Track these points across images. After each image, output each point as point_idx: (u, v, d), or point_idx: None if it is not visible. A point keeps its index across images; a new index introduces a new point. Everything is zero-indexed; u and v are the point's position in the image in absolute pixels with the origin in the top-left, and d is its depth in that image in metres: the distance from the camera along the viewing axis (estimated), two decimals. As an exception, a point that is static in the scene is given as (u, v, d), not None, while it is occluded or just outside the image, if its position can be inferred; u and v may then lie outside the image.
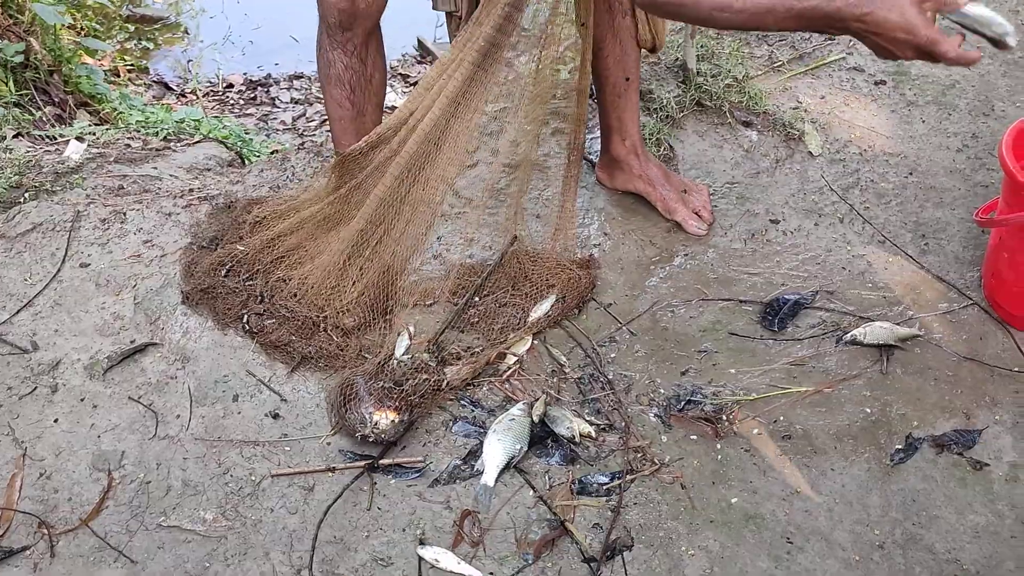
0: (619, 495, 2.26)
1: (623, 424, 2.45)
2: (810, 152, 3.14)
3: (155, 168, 3.21)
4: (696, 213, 2.98)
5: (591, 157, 3.19)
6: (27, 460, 2.29)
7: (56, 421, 2.42)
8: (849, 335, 2.61)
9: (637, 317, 2.72)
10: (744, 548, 2.13)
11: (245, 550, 2.14)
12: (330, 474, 2.28)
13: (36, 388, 2.49)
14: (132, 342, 2.61)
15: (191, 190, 3.11)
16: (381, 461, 2.33)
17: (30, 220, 2.92)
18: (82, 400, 2.47)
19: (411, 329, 2.65)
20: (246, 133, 3.06)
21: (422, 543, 2.14)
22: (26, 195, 3.01)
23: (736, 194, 3.09)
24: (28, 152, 3.31)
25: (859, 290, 2.77)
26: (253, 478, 2.29)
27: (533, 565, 2.11)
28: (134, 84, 3.57)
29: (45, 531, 2.12)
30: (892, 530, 2.19)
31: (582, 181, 3.03)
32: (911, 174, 3.11)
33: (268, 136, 3.27)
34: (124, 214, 2.98)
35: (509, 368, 2.57)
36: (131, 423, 2.41)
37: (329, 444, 2.38)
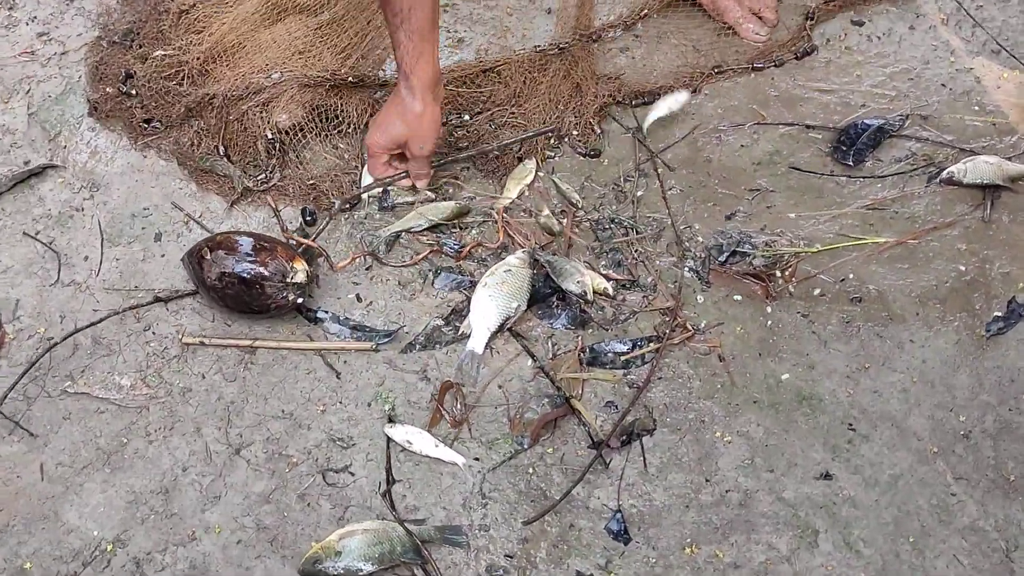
0: (644, 367, 2.15)
1: (649, 280, 2.31)
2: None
3: (52, -64, 2.85)
4: (755, 14, 2.60)
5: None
6: None
7: (-70, 261, 2.23)
8: (945, 172, 2.40)
9: (673, 144, 2.53)
10: (794, 435, 2.04)
11: (171, 424, 2.06)
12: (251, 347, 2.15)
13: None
14: (26, 164, 2.44)
15: (98, -34, 2.79)
16: (337, 324, 2.20)
17: None
18: (-38, 235, 2.26)
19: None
20: None
21: (391, 421, 2.04)
22: None
23: (809, -16, 2.74)
24: None
25: (962, 114, 2.54)
26: (181, 338, 2.15)
27: (529, 451, 2.01)
28: None
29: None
30: (982, 416, 2.06)
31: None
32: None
33: None
34: (12, -4, 2.69)
35: (505, 206, 2.39)
36: (27, 265, 2.27)
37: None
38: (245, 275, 2.00)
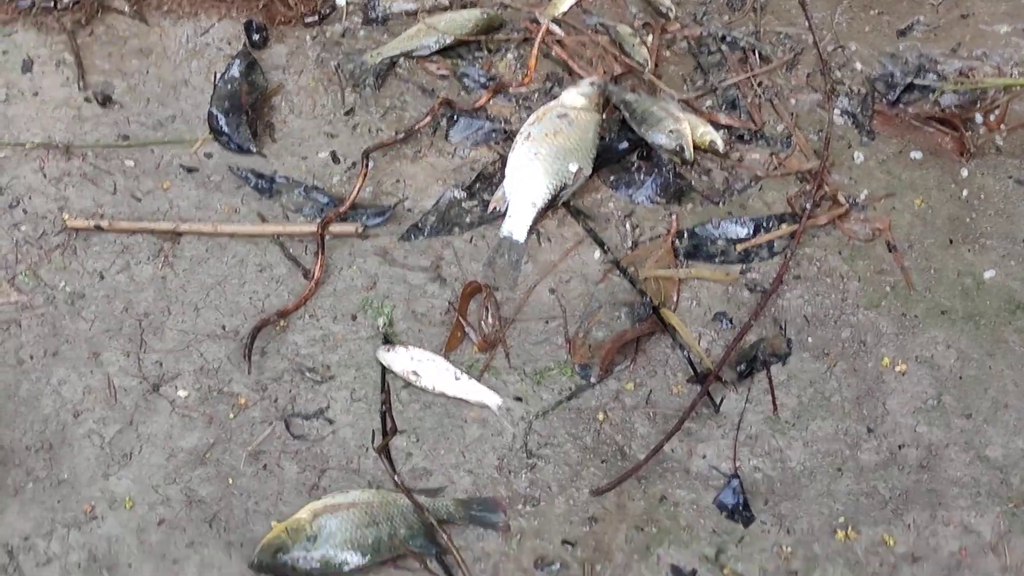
0: (773, 260, 2.10)
1: (781, 128, 2.25)
2: None
3: None
4: None
5: None
6: None
7: None
8: None
9: None
10: (1003, 362, 2.00)
11: (55, 347, 2.04)
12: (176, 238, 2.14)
13: None
14: None
15: None
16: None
17: None
18: None
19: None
20: None
21: (388, 343, 1.99)
22: None
23: None
24: None
25: None
26: (66, 218, 2.14)
27: (598, 387, 1.96)
28: None
29: None
30: None
31: None
32: None
33: None
34: None
35: (555, 16, 2.34)
36: None
37: (207, 155, 2.24)
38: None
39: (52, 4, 2.23)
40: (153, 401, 1.95)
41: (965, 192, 2.13)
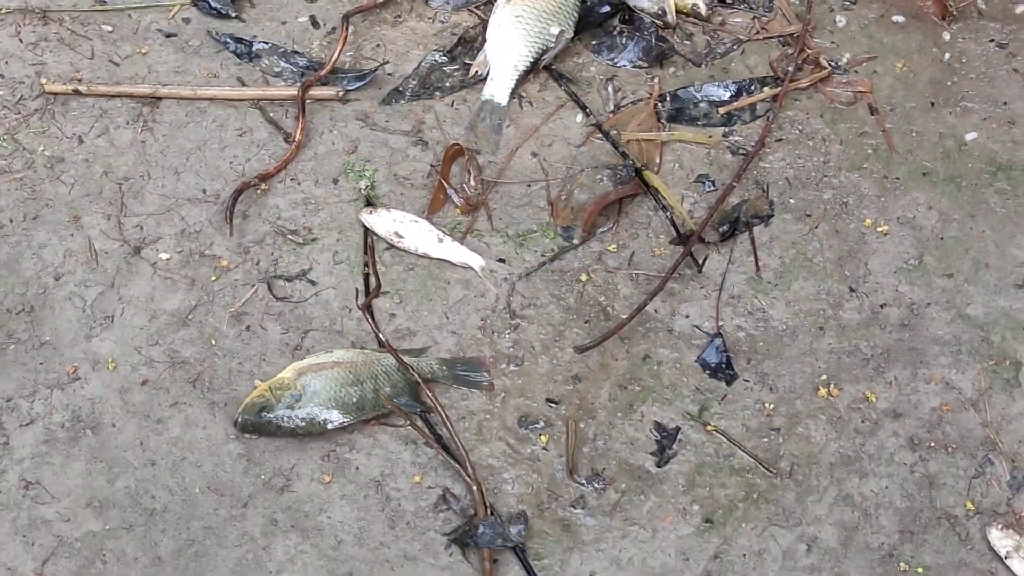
0: (755, 123, 2.12)
1: None
2: None
3: None
4: None
5: None
6: None
7: None
8: None
9: None
10: (984, 223, 2.02)
11: (36, 211, 2.05)
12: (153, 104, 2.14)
13: None
14: None
15: None
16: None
17: None
18: None
19: None
20: None
21: (370, 205, 2.00)
22: None
23: None
24: None
25: None
26: (44, 82, 2.13)
27: (581, 248, 1.98)
28: None
29: None
30: None
31: None
32: None
33: None
34: None
35: None
36: None
37: (185, 20, 2.26)
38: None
39: None
40: (135, 264, 1.95)
41: (947, 55, 2.12)
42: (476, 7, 2.16)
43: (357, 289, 1.91)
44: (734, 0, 2.16)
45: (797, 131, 2.05)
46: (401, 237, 1.95)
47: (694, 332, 1.91)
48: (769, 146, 2.04)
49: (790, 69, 2.07)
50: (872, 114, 2.06)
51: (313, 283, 1.95)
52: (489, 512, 1.72)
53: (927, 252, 1.96)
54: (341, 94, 2.05)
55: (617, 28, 2.14)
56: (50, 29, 2.15)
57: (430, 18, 2.16)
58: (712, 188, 2.01)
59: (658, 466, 1.80)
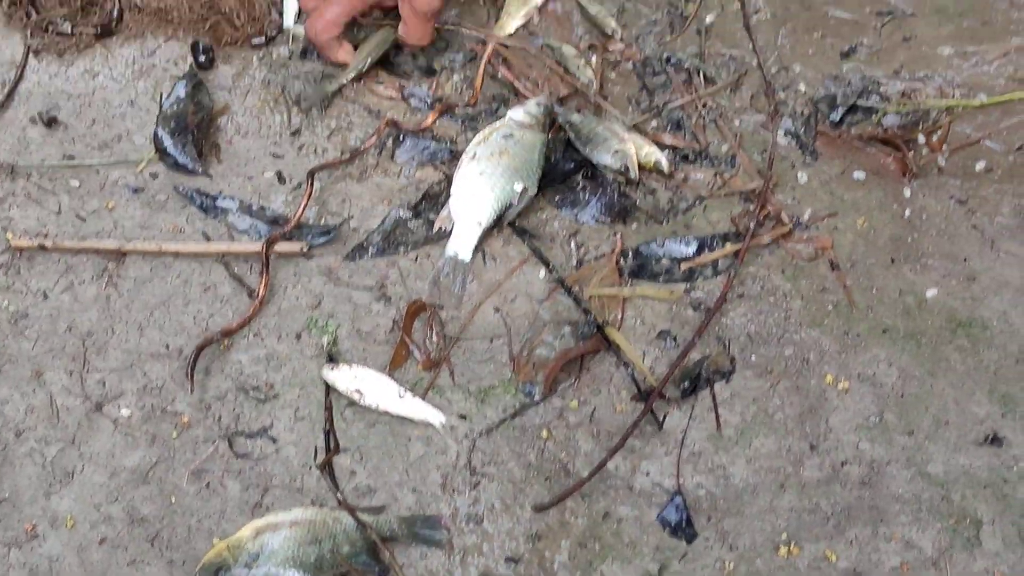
0: (717, 279, 2.15)
1: (725, 148, 2.32)
2: None
3: None
4: None
5: None
6: None
7: None
8: None
9: None
10: (945, 380, 2.05)
11: None
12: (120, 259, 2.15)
13: None
14: None
15: None
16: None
17: None
18: None
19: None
20: None
21: (332, 361, 2.03)
22: None
23: None
24: None
25: None
26: (10, 238, 2.17)
27: (542, 405, 2.00)
28: None
29: None
30: None
31: None
32: None
33: None
34: None
35: (506, 35, 2.42)
36: None
37: (152, 175, 2.28)
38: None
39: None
40: (96, 420, 1.96)
41: (907, 212, 2.16)
42: (441, 163, 2.20)
43: (316, 447, 1.92)
44: (696, 156, 2.21)
45: (759, 287, 2.08)
46: (362, 394, 1.95)
47: (655, 490, 1.92)
48: (730, 302, 2.06)
49: (752, 225, 2.09)
50: (833, 270, 2.09)
51: (274, 440, 1.95)
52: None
53: (887, 409, 1.97)
54: (305, 249, 2.08)
55: (580, 184, 2.17)
56: (18, 184, 2.19)
57: (395, 173, 2.20)
58: (674, 344, 2.02)
59: (617, 627, 1.74)
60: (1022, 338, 2.02)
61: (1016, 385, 1.99)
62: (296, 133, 2.24)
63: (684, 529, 1.89)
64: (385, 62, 2.30)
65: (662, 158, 2.16)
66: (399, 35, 2.27)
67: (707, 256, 2.11)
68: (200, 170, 2.20)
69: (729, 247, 2.10)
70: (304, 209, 2.10)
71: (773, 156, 2.16)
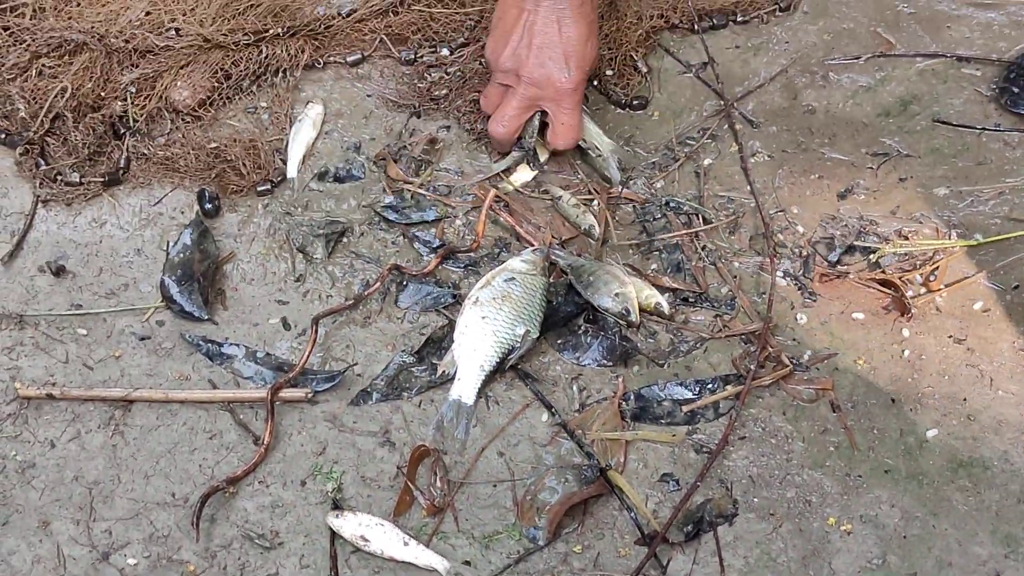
0: (719, 421, 2.16)
1: (725, 291, 2.35)
2: None
3: None
4: None
5: None
6: None
7: None
8: None
9: (757, 88, 2.59)
10: (947, 521, 2.05)
11: (5, 517, 2.07)
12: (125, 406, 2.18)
13: None
14: None
15: None
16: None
17: None
18: None
19: (316, 111, 2.56)
20: None
21: (337, 508, 2.04)
22: None
23: None
24: None
25: None
26: (18, 387, 2.19)
27: (546, 550, 2.01)
28: None
29: None
30: None
31: None
32: None
33: None
34: None
35: (508, 183, 2.46)
36: None
37: (159, 323, 2.30)
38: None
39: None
40: (102, 570, 1.97)
41: (906, 352, 2.18)
42: (444, 308, 2.22)
43: (321, 598, 1.87)
44: (696, 299, 2.23)
45: (760, 429, 2.09)
46: (367, 541, 1.96)
47: (660, 636, 1.85)
48: (732, 444, 2.07)
49: (752, 367, 2.11)
50: (834, 411, 2.11)
51: (280, 588, 1.89)
52: None
53: (890, 551, 1.97)
54: (310, 396, 2.10)
55: (582, 328, 2.20)
56: (26, 334, 2.22)
57: (399, 318, 2.22)
58: (676, 487, 2.04)
59: None
60: (1023, 478, 2.01)
61: (1018, 525, 1.99)
62: (300, 279, 2.28)
63: (690, 677, 1.83)
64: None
65: (662, 301, 2.19)
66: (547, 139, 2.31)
67: (709, 398, 2.12)
68: (206, 317, 2.22)
69: (730, 389, 2.12)
70: (309, 356, 2.12)
71: (772, 298, 2.19)
